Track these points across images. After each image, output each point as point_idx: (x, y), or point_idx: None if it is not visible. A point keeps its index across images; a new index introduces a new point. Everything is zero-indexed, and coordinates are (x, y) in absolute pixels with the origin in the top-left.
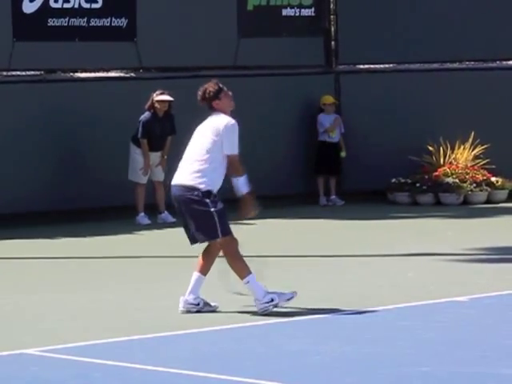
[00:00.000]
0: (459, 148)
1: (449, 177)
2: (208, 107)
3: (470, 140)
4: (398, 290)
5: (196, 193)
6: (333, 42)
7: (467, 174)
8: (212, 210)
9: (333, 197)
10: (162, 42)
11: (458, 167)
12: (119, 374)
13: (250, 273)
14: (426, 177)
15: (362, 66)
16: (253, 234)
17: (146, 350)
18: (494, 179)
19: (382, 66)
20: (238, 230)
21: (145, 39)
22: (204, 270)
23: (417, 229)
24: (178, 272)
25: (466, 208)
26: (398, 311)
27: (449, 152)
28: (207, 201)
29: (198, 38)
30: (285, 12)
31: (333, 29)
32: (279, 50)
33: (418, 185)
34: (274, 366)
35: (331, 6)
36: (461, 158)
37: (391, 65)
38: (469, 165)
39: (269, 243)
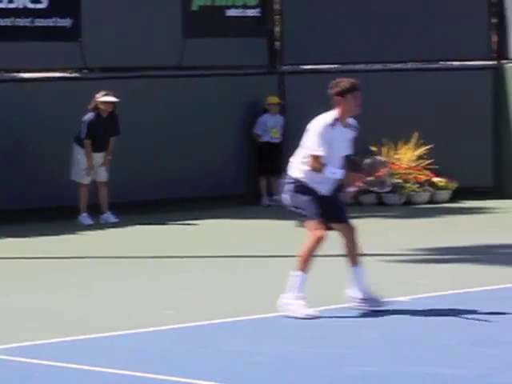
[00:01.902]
0: (402, 148)
1: (391, 177)
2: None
3: (413, 140)
4: (340, 289)
5: None
6: (277, 43)
7: (410, 174)
8: None
9: (275, 197)
10: (106, 43)
11: (400, 167)
12: (58, 374)
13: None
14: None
15: (306, 67)
16: (196, 235)
17: (86, 350)
18: (436, 179)
19: (326, 66)
20: (182, 230)
21: (89, 39)
22: (351, 262)
23: (359, 229)
24: (121, 272)
25: (408, 208)
26: (340, 311)
27: (392, 152)
28: None
29: (142, 39)
30: (229, 12)
31: (277, 29)
32: (224, 51)
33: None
34: (213, 366)
35: (276, 6)
36: (404, 159)
37: (335, 65)
38: (412, 165)
39: (212, 244)
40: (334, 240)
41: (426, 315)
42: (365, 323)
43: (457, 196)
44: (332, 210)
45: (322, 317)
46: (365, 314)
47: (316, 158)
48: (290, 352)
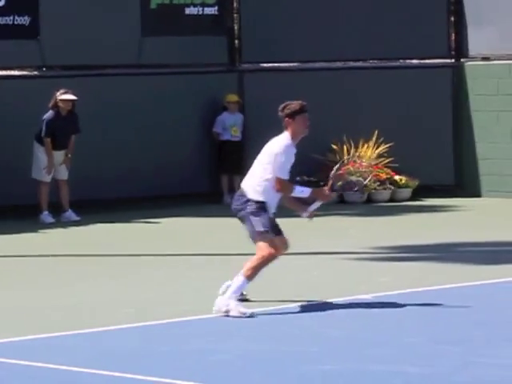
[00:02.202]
0: (363, 146)
1: (352, 175)
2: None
3: (374, 138)
4: (302, 288)
5: None
6: (236, 41)
7: (371, 172)
8: None
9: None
10: (65, 41)
11: (361, 166)
12: (22, 373)
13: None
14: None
15: (265, 65)
16: (157, 233)
17: (51, 348)
18: (397, 177)
19: (286, 64)
20: (144, 228)
21: (48, 37)
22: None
23: (321, 227)
24: (83, 270)
25: (369, 206)
26: (302, 309)
27: (353, 150)
28: None
29: (101, 37)
30: (188, 10)
31: (236, 27)
32: (183, 49)
33: (321, 183)
34: (176, 365)
35: (234, 4)
36: (365, 157)
37: (295, 63)
38: (372, 163)
39: (174, 242)
40: (298, 239)
41: (388, 313)
42: (327, 321)
43: (418, 194)
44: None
45: (283, 314)
46: (327, 313)
47: (284, 181)
48: (252, 350)
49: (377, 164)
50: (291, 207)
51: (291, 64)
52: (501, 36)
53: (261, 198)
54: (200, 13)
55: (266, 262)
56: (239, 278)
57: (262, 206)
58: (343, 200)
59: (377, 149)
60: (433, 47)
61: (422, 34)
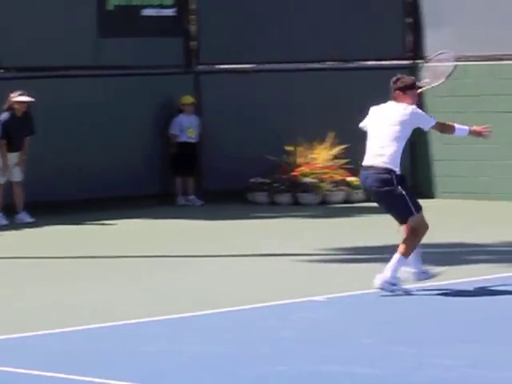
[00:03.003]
0: (318, 148)
1: (307, 176)
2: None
3: (329, 140)
4: (257, 289)
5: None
6: (193, 43)
7: (325, 173)
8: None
9: (191, 197)
10: (21, 42)
11: (316, 167)
12: None
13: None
14: (285, 177)
15: (222, 66)
16: (112, 235)
17: (4, 351)
18: (352, 179)
19: (242, 66)
20: (98, 230)
21: (4, 39)
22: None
23: (275, 229)
24: (37, 272)
25: (324, 208)
26: (256, 311)
27: (307, 152)
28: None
29: (58, 38)
30: (145, 12)
31: (193, 29)
32: (139, 50)
33: (276, 185)
34: (130, 367)
35: (192, 6)
36: (319, 158)
37: (252, 65)
38: (327, 165)
39: (127, 244)
40: (252, 241)
41: (341, 315)
42: (280, 323)
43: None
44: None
45: (236, 316)
46: (281, 314)
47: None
48: (206, 352)
49: (331, 165)
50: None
51: (248, 65)
52: (458, 37)
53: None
54: (157, 14)
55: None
56: (396, 257)
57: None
58: (297, 201)
59: (332, 150)
60: (389, 48)
61: (379, 36)
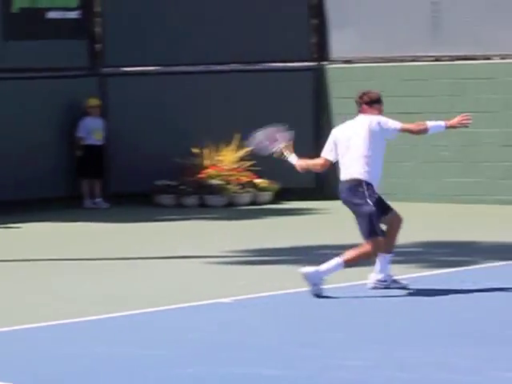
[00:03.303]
0: (224, 150)
1: (214, 179)
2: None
3: (235, 142)
4: (165, 292)
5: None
6: (98, 45)
7: (232, 175)
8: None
9: (98, 199)
10: None
11: (222, 169)
12: None
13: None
14: (191, 179)
15: (128, 69)
16: (18, 238)
17: None
18: (258, 181)
19: (148, 68)
20: (4, 233)
21: None
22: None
23: (182, 231)
24: None
25: (230, 210)
26: (165, 313)
27: (214, 154)
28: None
29: None
30: (50, 14)
31: (98, 31)
32: (45, 53)
33: (182, 187)
34: (42, 370)
35: (97, 8)
36: (226, 160)
37: (157, 67)
38: (234, 166)
39: (31, 247)
40: (159, 243)
41: (248, 316)
42: (187, 325)
43: (279, 197)
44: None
45: (144, 318)
46: (188, 316)
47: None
48: (115, 354)
49: (238, 167)
50: None
51: (153, 68)
52: (362, 39)
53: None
54: (62, 17)
55: (364, 257)
56: (336, 260)
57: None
58: (204, 204)
59: (238, 152)
60: (295, 50)
61: (284, 37)
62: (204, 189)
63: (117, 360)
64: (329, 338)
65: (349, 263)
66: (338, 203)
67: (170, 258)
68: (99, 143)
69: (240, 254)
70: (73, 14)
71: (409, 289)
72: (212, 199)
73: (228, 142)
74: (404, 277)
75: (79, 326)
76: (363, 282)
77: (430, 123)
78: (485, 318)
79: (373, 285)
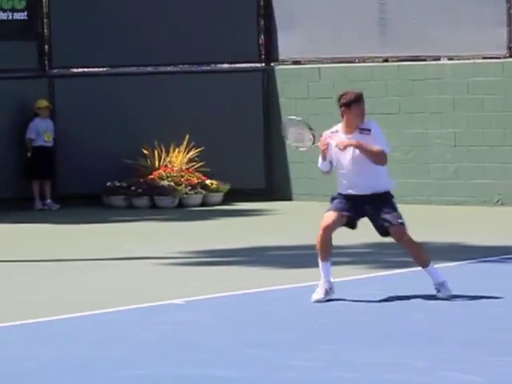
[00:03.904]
0: (174, 151)
1: (164, 180)
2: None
3: (185, 143)
4: (115, 293)
5: None
6: (46, 46)
7: (182, 176)
8: None
9: (48, 201)
10: None
11: (173, 170)
12: None
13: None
14: (142, 180)
15: (76, 70)
16: None
17: None
18: (208, 182)
19: (95, 69)
20: None
21: None
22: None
23: (133, 232)
24: None
25: (181, 211)
26: (114, 315)
27: (164, 155)
28: None
29: None
30: None
31: (46, 32)
32: None
33: (133, 188)
34: None
35: (44, 9)
36: (176, 161)
37: (105, 68)
38: (184, 168)
39: None
40: (110, 244)
41: (200, 317)
42: (139, 326)
43: (229, 198)
44: None
45: (95, 320)
46: (140, 317)
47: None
48: (63, 356)
49: (188, 168)
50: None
51: (101, 69)
52: (310, 40)
53: None
54: (9, 18)
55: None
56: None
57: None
58: (154, 205)
59: (188, 153)
60: (243, 51)
61: (233, 38)
62: (155, 190)
63: (66, 362)
64: (277, 338)
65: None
66: (288, 204)
67: (120, 259)
68: (49, 144)
69: (191, 255)
70: (20, 15)
71: (359, 290)
72: (162, 200)
73: (178, 143)
74: (356, 278)
75: (23, 328)
76: (314, 283)
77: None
78: (437, 319)
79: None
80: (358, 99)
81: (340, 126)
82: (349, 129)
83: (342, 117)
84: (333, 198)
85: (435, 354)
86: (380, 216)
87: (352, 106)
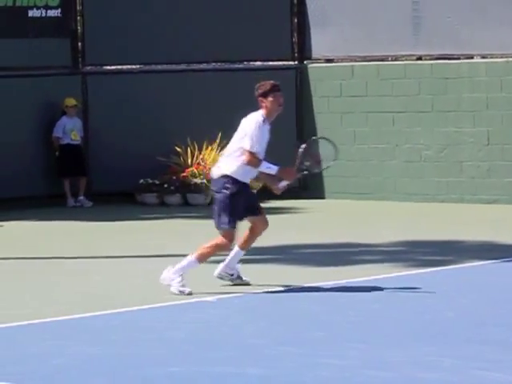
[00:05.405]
0: (207, 149)
1: (196, 177)
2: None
3: (218, 140)
4: (148, 290)
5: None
6: (80, 43)
7: None
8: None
9: (81, 197)
10: None
11: (205, 168)
12: None
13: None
14: (174, 177)
15: (108, 67)
16: (0, 236)
17: None
18: None
19: (128, 66)
20: None
21: None
22: (245, 246)
23: (165, 229)
24: None
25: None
26: (147, 312)
27: (196, 153)
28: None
29: None
30: (31, 13)
31: (79, 30)
32: (26, 51)
33: (166, 186)
34: (17, 369)
35: (78, 7)
36: (208, 159)
37: (138, 65)
38: None
39: (18, 245)
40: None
41: (232, 316)
42: (170, 324)
43: (262, 196)
44: (250, 201)
45: (124, 318)
46: (170, 315)
47: (251, 153)
48: (95, 354)
49: None
50: (265, 181)
51: (134, 66)
52: (343, 38)
53: (230, 171)
54: (43, 15)
55: (217, 249)
56: (189, 258)
57: (238, 188)
58: (187, 202)
59: (220, 151)
60: (276, 49)
61: (266, 36)
62: (187, 187)
63: (100, 359)
64: (310, 336)
65: (202, 260)
66: (321, 202)
67: (152, 256)
68: (76, 143)
69: (223, 253)
70: (54, 13)
71: (390, 288)
72: (195, 198)
73: (211, 141)
74: (387, 276)
75: (56, 324)
76: (346, 281)
77: (264, 163)
78: (469, 317)
79: (219, 274)
80: (275, 89)
81: (260, 116)
82: (270, 118)
83: (262, 107)
84: None
85: (467, 353)
86: None
87: (269, 95)
